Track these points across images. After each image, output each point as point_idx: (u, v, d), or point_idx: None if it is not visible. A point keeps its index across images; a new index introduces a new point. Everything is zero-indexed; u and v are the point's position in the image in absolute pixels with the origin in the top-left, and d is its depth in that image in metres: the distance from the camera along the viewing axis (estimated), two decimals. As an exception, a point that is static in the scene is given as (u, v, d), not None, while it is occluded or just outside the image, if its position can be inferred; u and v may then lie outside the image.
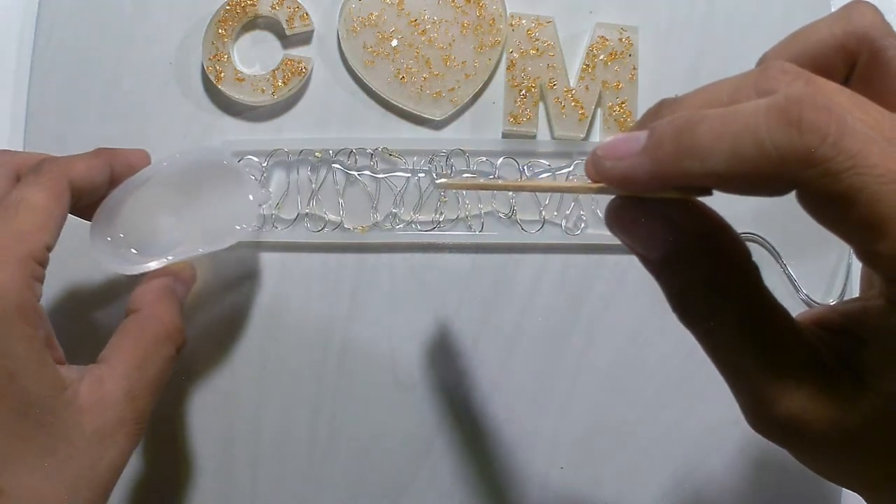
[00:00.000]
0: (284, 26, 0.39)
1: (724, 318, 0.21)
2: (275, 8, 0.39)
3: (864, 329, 0.21)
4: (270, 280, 0.38)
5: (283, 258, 0.38)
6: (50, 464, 0.27)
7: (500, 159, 0.38)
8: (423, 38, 0.39)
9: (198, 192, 0.33)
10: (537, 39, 0.39)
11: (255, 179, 0.37)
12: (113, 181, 0.32)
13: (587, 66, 0.39)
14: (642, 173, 0.20)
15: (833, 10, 0.40)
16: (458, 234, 0.38)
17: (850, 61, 0.23)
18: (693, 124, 0.19)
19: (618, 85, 0.39)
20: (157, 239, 0.33)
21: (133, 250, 0.32)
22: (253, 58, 0.39)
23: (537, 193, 0.38)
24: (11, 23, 0.40)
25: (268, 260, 0.38)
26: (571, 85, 0.39)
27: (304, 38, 0.40)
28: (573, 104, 0.38)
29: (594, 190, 0.21)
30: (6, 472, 0.26)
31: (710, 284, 0.21)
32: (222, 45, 0.38)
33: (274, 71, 0.38)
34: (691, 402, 0.38)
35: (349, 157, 0.38)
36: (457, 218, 0.38)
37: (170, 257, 0.33)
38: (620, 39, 0.39)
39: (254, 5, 0.38)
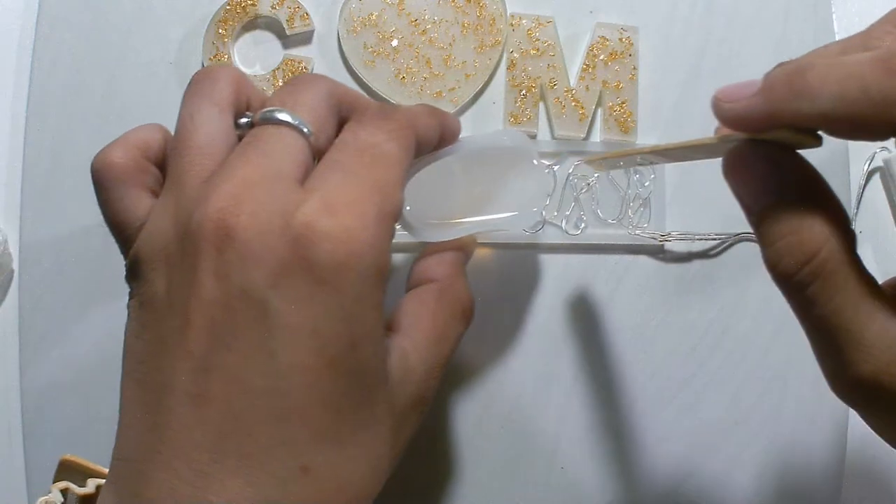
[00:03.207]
0: (285, 26, 0.39)
1: (823, 281, 0.22)
2: (275, 8, 0.39)
3: None
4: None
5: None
6: (359, 442, 0.23)
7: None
8: (423, 38, 0.39)
9: (490, 173, 0.32)
10: (537, 39, 0.39)
11: (550, 174, 0.37)
12: (437, 146, 0.29)
13: (587, 66, 0.39)
14: (756, 113, 0.22)
15: (834, 10, 0.40)
16: (459, 234, 0.38)
17: None
18: (803, 70, 0.21)
19: (618, 85, 0.39)
20: (442, 212, 0.31)
21: (433, 220, 0.31)
22: (253, 58, 0.39)
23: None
24: (11, 23, 0.40)
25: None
26: (572, 85, 0.39)
27: (305, 38, 0.40)
28: (573, 104, 0.38)
29: (718, 140, 0.24)
30: (317, 449, 0.22)
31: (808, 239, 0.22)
32: (222, 45, 0.38)
33: (274, 71, 0.38)
34: (692, 402, 0.38)
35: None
36: (457, 218, 0.38)
37: (458, 231, 0.31)
38: (620, 39, 0.39)
39: (254, 5, 0.38)
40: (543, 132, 0.39)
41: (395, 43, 0.39)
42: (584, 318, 0.38)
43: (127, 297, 0.24)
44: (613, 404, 0.38)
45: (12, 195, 0.38)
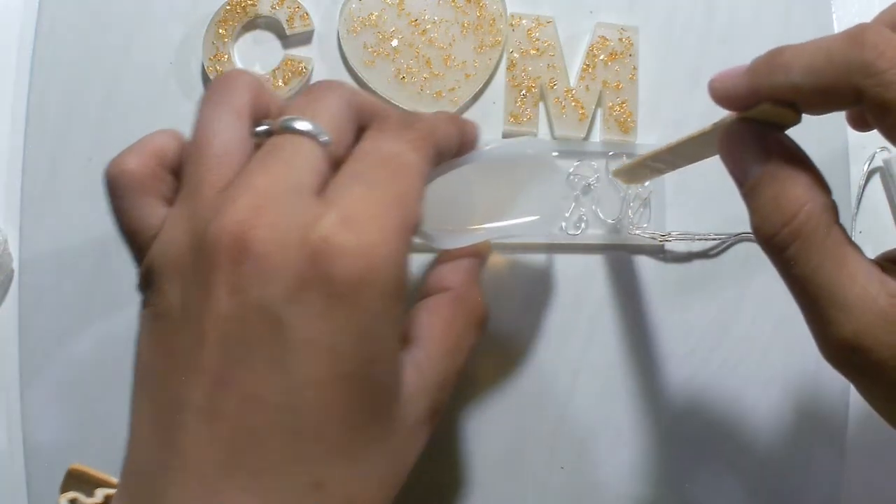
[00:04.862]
0: (285, 26, 0.39)
1: (802, 241, 0.23)
2: (275, 8, 0.39)
3: None
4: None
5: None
6: (371, 457, 0.23)
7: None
8: (423, 38, 0.39)
9: (509, 180, 0.32)
10: (538, 39, 0.39)
11: (570, 182, 0.38)
12: (456, 154, 0.29)
13: (587, 66, 0.39)
14: (742, 89, 0.24)
15: (833, 11, 0.40)
16: (459, 235, 0.38)
17: None
18: (781, 49, 0.24)
19: (618, 85, 0.39)
20: (459, 218, 0.31)
21: (448, 226, 0.30)
22: (253, 58, 0.39)
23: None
24: (11, 23, 0.40)
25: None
26: (572, 85, 0.39)
27: (305, 38, 0.40)
28: (573, 104, 0.38)
29: (713, 126, 0.26)
30: (330, 465, 0.22)
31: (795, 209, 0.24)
32: (222, 45, 0.38)
33: (274, 71, 0.38)
34: (691, 403, 0.38)
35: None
36: (457, 218, 0.38)
37: (475, 237, 0.31)
38: (621, 39, 0.39)
39: (254, 5, 0.38)
40: (543, 132, 0.39)
41: (395, 43, 0.39)
42: (584, 319, 0.38)
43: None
44: (613, 404, 0.38)
45: (12, 195, 0.38)
